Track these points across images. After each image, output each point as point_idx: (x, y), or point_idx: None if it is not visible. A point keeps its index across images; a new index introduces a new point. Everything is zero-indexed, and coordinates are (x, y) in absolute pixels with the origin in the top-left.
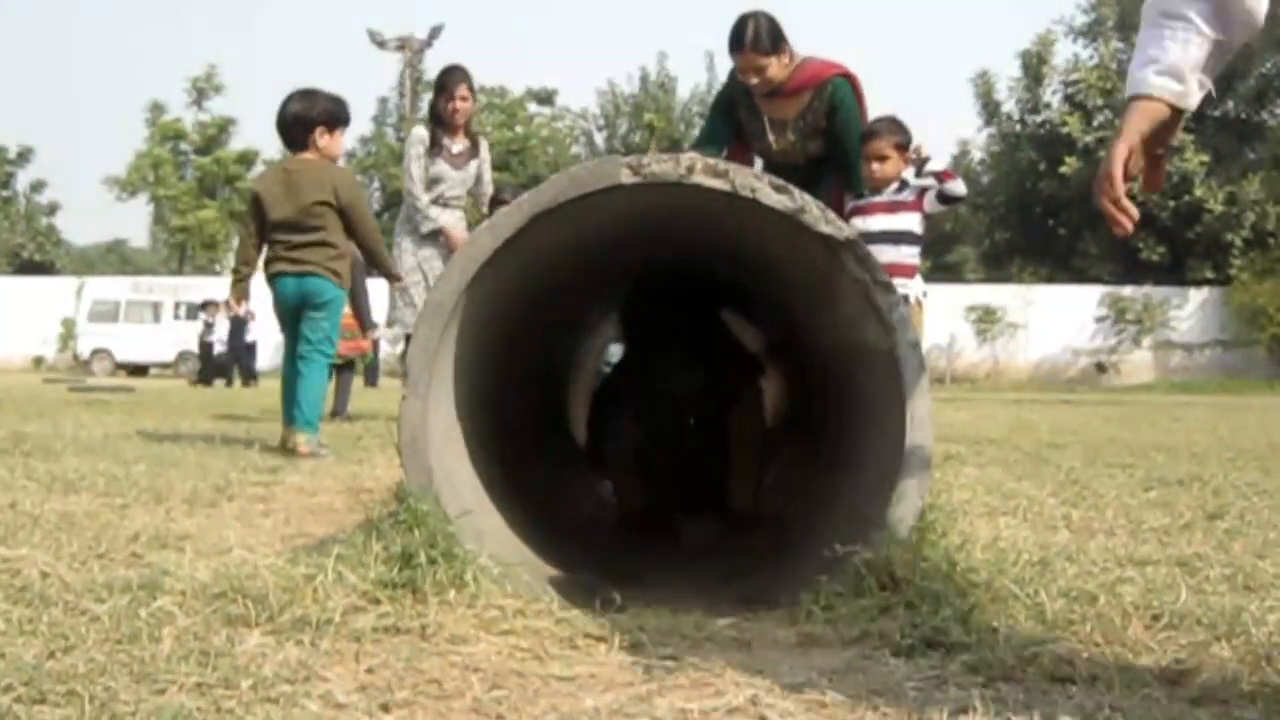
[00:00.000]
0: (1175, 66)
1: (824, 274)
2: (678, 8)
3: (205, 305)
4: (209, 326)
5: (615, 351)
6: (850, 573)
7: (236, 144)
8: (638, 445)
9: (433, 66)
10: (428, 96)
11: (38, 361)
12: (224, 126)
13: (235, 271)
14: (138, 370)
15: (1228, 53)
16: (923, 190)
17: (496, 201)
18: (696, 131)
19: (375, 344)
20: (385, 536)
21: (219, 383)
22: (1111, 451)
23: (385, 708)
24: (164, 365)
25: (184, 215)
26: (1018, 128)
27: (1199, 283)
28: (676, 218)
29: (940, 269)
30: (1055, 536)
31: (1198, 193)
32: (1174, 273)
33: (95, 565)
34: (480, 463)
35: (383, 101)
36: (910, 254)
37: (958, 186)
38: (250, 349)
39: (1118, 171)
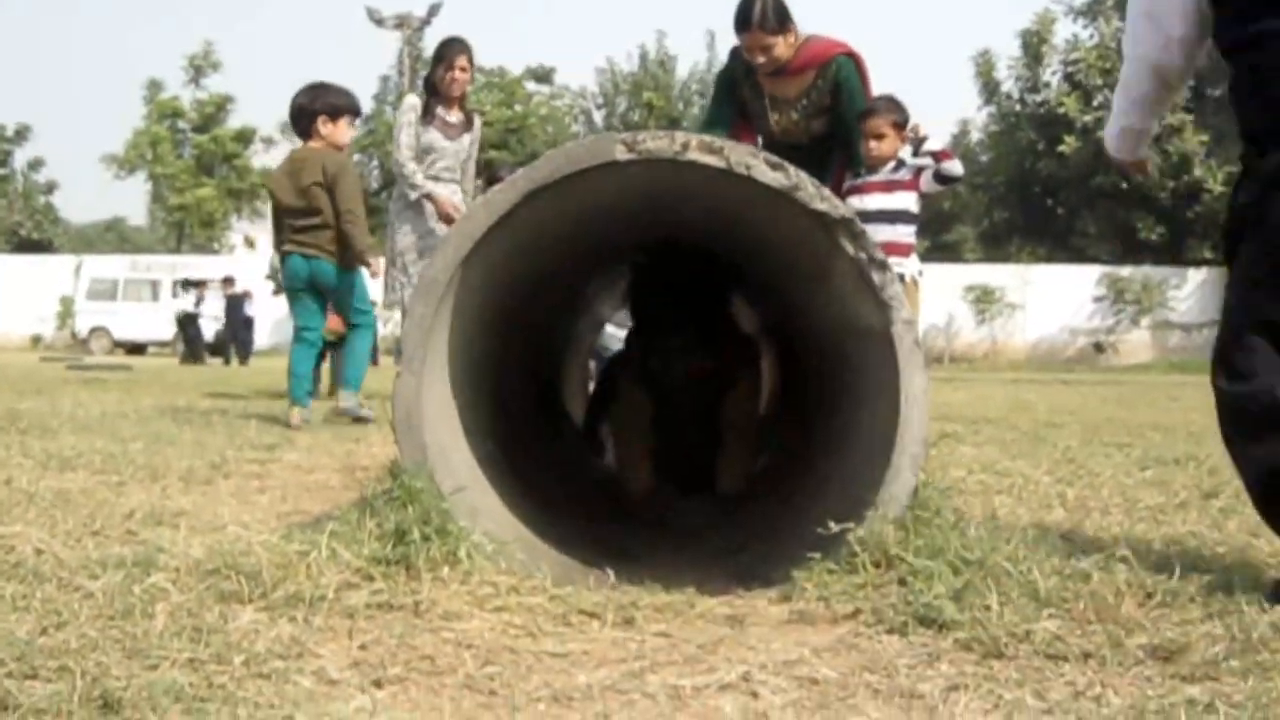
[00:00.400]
0: None
1: (819, 252)
2: None
3: (186, 284)
4: (196, 304)
5: (611, 331)
6: (843, 550)
7: (234, 122)
8: (646, 425)
9: (431, 45)
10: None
11: (36, 340)
12: (222, 104)
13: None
14: (136, 349)
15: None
16: (919, 169)
17: (493, 180)
18: (696, 110)
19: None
20: (379, 513)
21: (215, 361)
22: (1108, 431)
23: (378, 684)
24: (162, 344)
25: (182, 193)
26: (1017, 107)
27: (1197, 263)
28: (672, 195)
29: (939, 248)
30: (1050, 515)
31: (1197, 172)
32: (1172, 252)
33: (90, 542)
34: (475, 440)
35: (384, 80)
36: (906, 233)
37: (955, 166)
38: (247, 325)
39: None
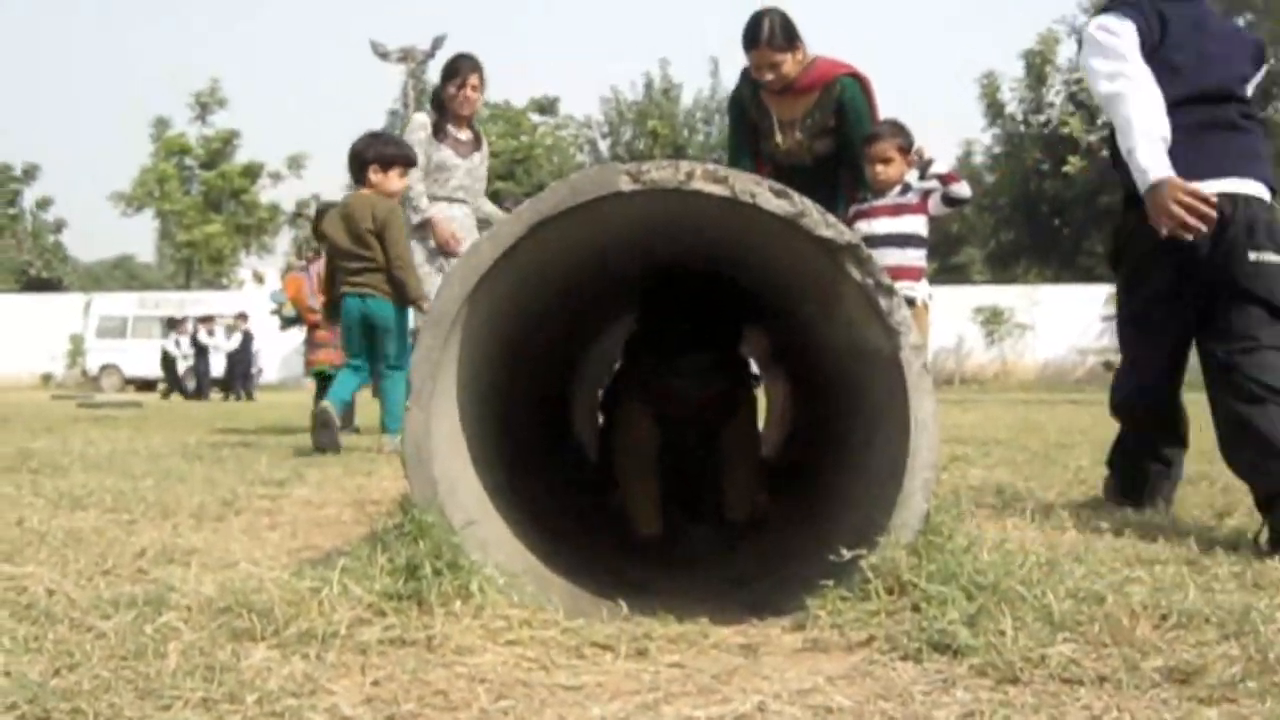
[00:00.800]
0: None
1: (826, 278)
2: (681, 14)
3: (171, 322)
4: (178, 343)
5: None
6: (856, 577)
7: (241, 157)
8: (653, 459)
9: (435, 78)
10: None
11: (46, 378)
12: (228, 140)
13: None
14: (146, 385)
15: None
16: (927, 193)
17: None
18: (701, 138)
19: None
20: (390, 548)
21: (216, 396)
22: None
23: None
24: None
25: (190, 230)
26: (1021, 128)
27: None
28: (678, 224)
29: (947, 270)
30: (1063, 537)
31: None
32: None
33: (101, 582)
34: (485, 471)
35: (392, 115)
36: (916, 256)
37: (962, 189)
38: (239, 360)
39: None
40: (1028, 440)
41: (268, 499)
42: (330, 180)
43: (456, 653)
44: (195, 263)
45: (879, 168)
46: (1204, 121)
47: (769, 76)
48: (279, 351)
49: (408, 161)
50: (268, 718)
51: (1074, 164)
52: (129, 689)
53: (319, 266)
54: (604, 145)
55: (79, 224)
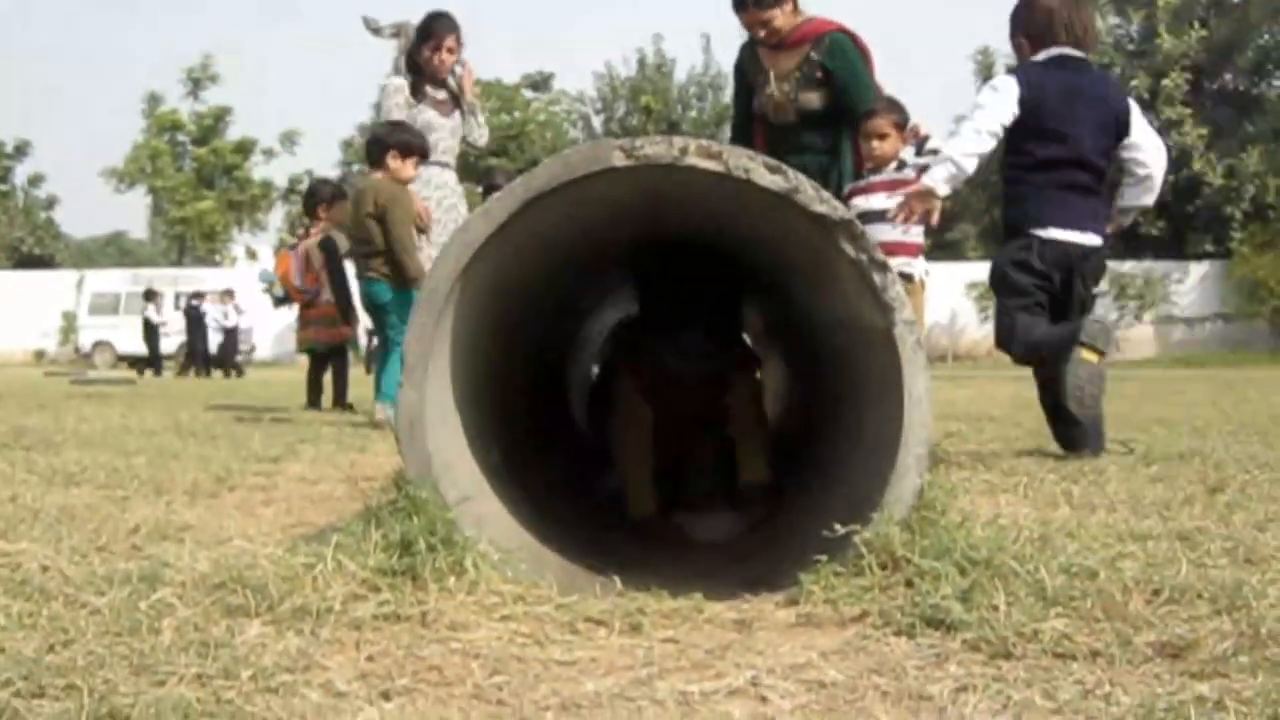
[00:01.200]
0: None
1: (820, 254)
2: None
3: (148, 294)
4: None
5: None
6: (850, 552)
7: (233, 133)
8: (648, 438)
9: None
10: None
11: (39, 355)
12: (220, 116)
13: None
14: (140, 362)
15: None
16: (923, 169)
17: (492, 187)
18: (694, 113)
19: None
20: (385, 524)
21: (216, 373)
22: (1112, 427)
23: (386, 695)
24: (166, 357)
25: (182, 206)
26: None
27: (1199, 256)
28: (672, 200)
29: (941, 247)
30: (1056, 512)
31: (1197, 166)
32: (1174, 247)
33: (95, 558)
34: (479, 448)
35: (384, 90)
36: (916, 232)
37: None
38: (232, 338)
39: None
40: (1021, 416)
41: (262, 475)
42: (323, 156)
43: (450, 628)
44: (188, 239)
45: (875, 143)
46: (1064, 182)
47: (762, 33)
48: (272, 328)
49: (424, 154)
50: (262, 693)
51: None
52: (123, 665)
53: (306, 244)
54: (597, 121)
55: (71, 200)
